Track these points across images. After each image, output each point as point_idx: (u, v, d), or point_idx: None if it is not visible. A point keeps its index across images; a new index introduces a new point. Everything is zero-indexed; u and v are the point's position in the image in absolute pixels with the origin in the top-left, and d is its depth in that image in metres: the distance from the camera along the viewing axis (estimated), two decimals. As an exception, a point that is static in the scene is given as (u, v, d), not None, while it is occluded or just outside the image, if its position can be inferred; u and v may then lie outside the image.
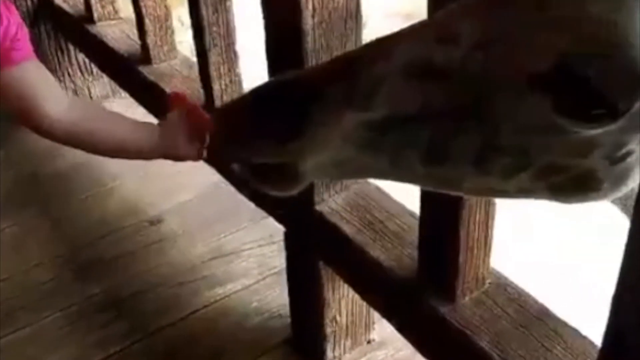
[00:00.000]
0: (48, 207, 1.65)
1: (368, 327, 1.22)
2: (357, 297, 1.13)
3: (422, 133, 0.55)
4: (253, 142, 0.60)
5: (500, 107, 0.52)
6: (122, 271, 1.48)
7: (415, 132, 0.55)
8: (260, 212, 1.55)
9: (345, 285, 1.12)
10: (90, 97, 1.90)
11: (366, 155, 0.58)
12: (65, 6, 1.66)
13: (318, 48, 0.95)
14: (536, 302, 0.91)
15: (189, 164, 1.47)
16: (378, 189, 1.09)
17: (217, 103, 1.28)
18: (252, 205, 1.57)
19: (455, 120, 0.53)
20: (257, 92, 0.60)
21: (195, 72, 1.36)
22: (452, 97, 0.53)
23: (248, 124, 0.60)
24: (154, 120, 1.56)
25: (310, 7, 0.92)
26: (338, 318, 1.16)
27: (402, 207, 1.05)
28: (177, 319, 1.37)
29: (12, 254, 1.53)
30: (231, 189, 1.61)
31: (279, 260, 1.42)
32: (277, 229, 1.50)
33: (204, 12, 1.19)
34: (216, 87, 1.27)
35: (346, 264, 1.07)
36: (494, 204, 0.88)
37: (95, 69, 1.84)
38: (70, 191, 1.69)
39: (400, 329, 1.01)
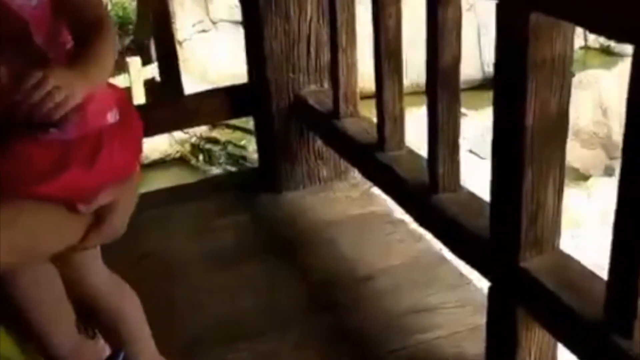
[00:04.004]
0: (283, 259, 2.07)
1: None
2: (543, 337, 1.40)
3: None
4: None
5: None
6: (341, 314, 1.85)
7: None
8: (461, 279, 1.88)
9: (535, 328, 1.40)
10: (318, 178, 2.35)
11: None
12: (316, 105, 2.16)
13: (534, 141, 1.29)
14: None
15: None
16: (567, 254, 1.38)
17: (440, 183, 1.64)
18: (454, 272, 1.90)
19: None
20: None
21: (418, 158, 1.77)
22: None
23: None
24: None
25: (532, 111, 1.27)
26: (527, 358, 1.43)
27: (589, 270, 1.34)
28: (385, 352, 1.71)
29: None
30: (437, 258, 1.96)
31: (474, 319, 1.72)
32: (474, 294, 1.82)
33: (440, 117, 1.58)
34: (440, 171, 1.64)
35: (544, 311, 1.35)
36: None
37: (325, 155, 2.31)
38: (300, 251, 2.11)
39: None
